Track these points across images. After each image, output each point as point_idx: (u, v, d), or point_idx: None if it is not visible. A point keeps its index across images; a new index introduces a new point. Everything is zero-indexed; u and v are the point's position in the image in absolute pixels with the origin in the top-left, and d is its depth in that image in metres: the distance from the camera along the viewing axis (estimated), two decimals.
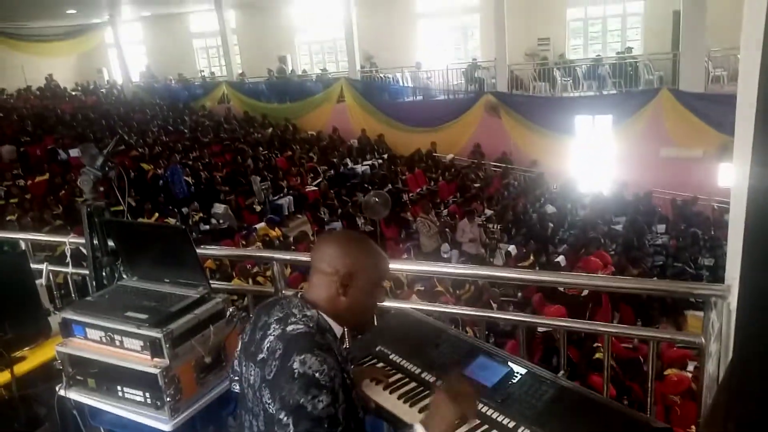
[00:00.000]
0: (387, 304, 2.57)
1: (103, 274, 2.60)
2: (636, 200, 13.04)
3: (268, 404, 1.40)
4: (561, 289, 7.16)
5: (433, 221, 10.68)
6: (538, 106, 14.97)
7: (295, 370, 1.34)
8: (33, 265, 2.96)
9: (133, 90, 22.79)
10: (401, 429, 1.44)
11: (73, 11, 20.37)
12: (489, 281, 7.01)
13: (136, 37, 24.71)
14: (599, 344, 5.28)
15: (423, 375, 1.83)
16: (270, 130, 17.64)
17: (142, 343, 1.98)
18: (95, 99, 21.89)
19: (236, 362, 1.72)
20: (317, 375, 1.34)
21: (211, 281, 2.51)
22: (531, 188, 14.27)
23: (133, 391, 2.04)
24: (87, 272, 2.72)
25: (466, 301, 7.40)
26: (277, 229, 10.55)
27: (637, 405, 4.58)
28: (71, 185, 10.82)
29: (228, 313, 2.21)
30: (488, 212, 11.91)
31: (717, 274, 8.45)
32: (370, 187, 12.31)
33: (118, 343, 2.04)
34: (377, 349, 2.00)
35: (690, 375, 5.23)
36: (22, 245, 3.57)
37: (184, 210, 10.94)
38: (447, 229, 10.72)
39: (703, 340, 2.06)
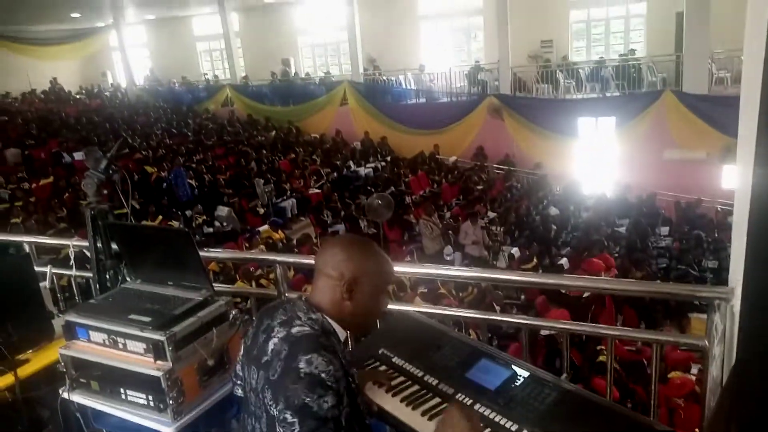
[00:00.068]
0: (390, 306, 2.56)
1: (107, 276, 2.60)
2: (639, 202, 13.01)
3: (270, 405, 1.39)
4: (563, 291, 7.14)
5: (435, 223, 10.67)
6: (541, 108, 14.96)
7: (301, 370, 1.34)
8: (37, 268, 2.97)
9: (137, 93, 22.86)
10: None
11: (78, 15, 20.47)
12: (492, 284, 6.99)
13: (139, 40, 24.81)
14: (603, 347, 5.27)
15: (425, 378, 1.83)
16: (273, 132, 17.68)
17: (145, 346, 1.98)
18: (99, 102, 21.97)
19: (238, 366, 1.72)
20: (323, 375, 1.34)
21: (214, 284, 2.52)
22: (534, 190, 14.24)
23: (136, 394, 2.04)
24: (90, 275, 2.73)
25: (469, 304, 7.39)
26: (280, 231, 10.56)
27: (641, 408, 4.58)
28: (75, 188, 10.86)
29: (231, 316, 2.21)
30: (491, 214, 11.88)
31: (721, 277, 8.42)
32: (373, 190, 12.31)
33: (121, 345, 2.04)
34: (380, 352, 2.00)
35: (694, 378, 5.22)
36: (26, 248, 3.58)
37: (188, 213, 10.96)
38: (450, 232, 10.72)
39: (706, 342, 2.05)
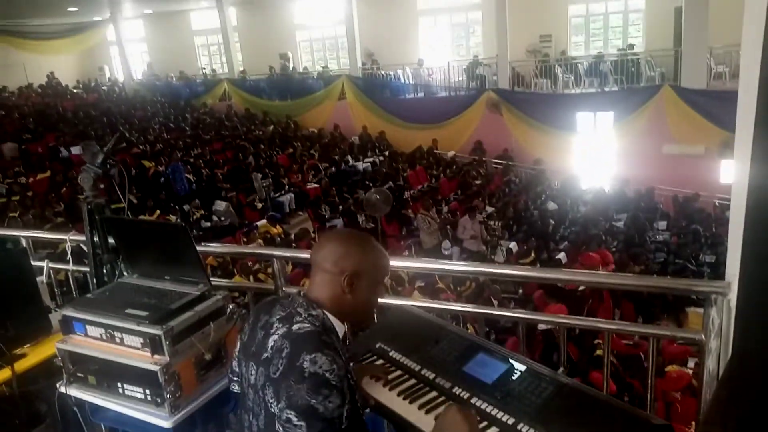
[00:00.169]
0: (388, 301, 2.57)
1: (104, 271, 2.60)
2: (637, 197, 13.02)
3: (271, 403, 1.39)
4: (559, 285, 7.15)
5: (433, 218, 10.68)
6: (540, 102, 14.95)
7: (306, 370, 1.33)
8: (34, 263, 2.97)
9: (135, 87, 22.80)
10: None
11: (75, 9, 20.37)
12: (490, 278, 7.01)
13: (137, 34, 24.72)
14: (600, 341, 5.29)
15: (423, 372, 1.83)
16: (271, 127, 17.65)
17: (142, 340, 1.98)
18: (97, 96, 21.88)
19: (235, 363, 1.71)
20: (327, 375, 1.33)
21: (212, 278, 2.51)
22: (532, 185, 14.26)
23: (134, 388, 2.04)
24: (88, 269, 2.72)
25: (467, 298, 7.41)
26: (278, 226, 10.56)
27: (638, 401, 4.59)
28: (73, 183, 10.84)
29: (228, 310, 2.21)
30: (489, 209, 11.90)
31: (718, 271, 8.43)
32: (371, 184, 12.31)
33: (118, 340, 2.04)
34: (377, 346, 2.00)
35: (690, 371, 5.24)
36: (23, 242, 3.58)
37: (186, 207, 10.95)
38: (448, 226, 10.72)
39: (703, 336, 2.05)
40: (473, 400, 1.62)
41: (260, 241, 9.32)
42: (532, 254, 9.25)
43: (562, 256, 9.31)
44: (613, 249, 9.73)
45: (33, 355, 2.50)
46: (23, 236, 3.63)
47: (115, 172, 2.61)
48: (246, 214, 11.55)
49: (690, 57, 12.89)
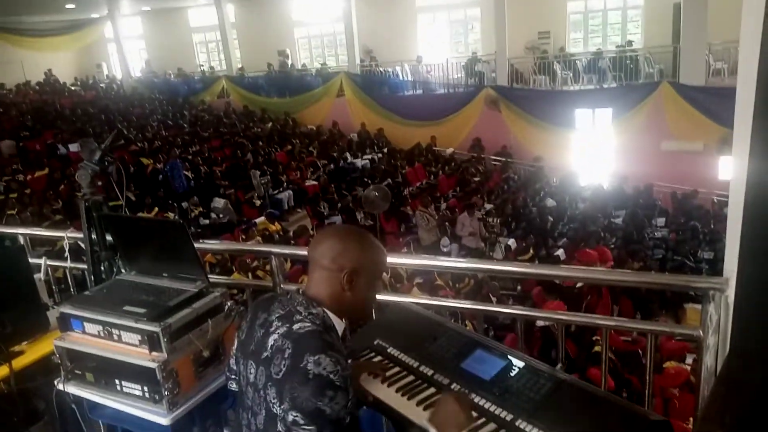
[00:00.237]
0: (386, 297, 2.57)
1: (102, 268, 2.59)
2: (636, 194, 13.04)
3: (273, 403, 1.38)
4: (556, 281, 7.17)
5: (431, 214, 10.69)
6: (539, 99, 14.95)
7: (310, 371, 1.32)
8: (32, 260, 2.96)
9: (133, 85, 22.76)
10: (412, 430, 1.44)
11: (72, 6, 20.31)
12: (488, 275, 7.02)
13: (135, 31, 24.65)
14: (598, 337, 5.29)
15: (421, 368, 1.83)
16: (269, 124, 17.63)
17: (140, 337, 1.98)
18: (94, 94, 21.84)
19: (232, 361, 1.71)
20: (332, 376, 1.33)
21: (210, 275, 2.51)
22: (531, 182, 14.26)
23: (132, 385, 2.03)
24: (86, 267, 2.72)
25: (466, 295, 7.42)
26: (276, 223, 10.56)
27: (636, 397, 4.60)
28: (71, 180, 10.82)
29: (226, 307, 2.20)
30: (488, 206, 11.90)
31: (716, 268, 8.44)
32: (369, 182, 12.31)
33: (116, 337, 2.03)
34: (375, 342, 2.01)
35: (688, 367, 5.25)
36: (21, 240, 3.57)
37: (184, 204, 10.94)
38: (447, 223, 10.73)
39: (701, 332, 2.05)
40: (471, 397, 1.62)
41: (259, 238, 9.32)
42: (531, 251, 9.27)
43: (560, 252, 9.33)
44: (612, 246, 9.74)
45: (31, 353, 2.50)
46: (21, 234, 3.63)
47: (113, 170, 2.61)
48: (244, 212, 11.54)
49: (688, 53, 12.89)
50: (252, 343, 1.53)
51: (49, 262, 3.24)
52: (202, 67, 23.38)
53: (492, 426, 1.56)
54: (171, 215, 10.04)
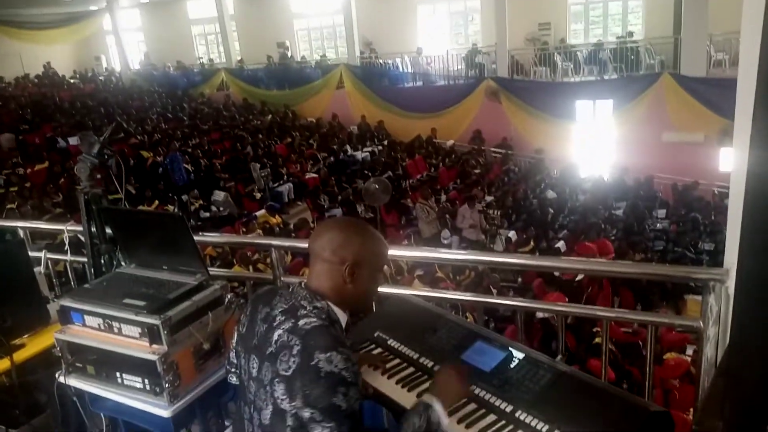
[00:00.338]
0: (387, 290, 2.57)
1: (102, 261, 2.60)
2: (637, 185, 13.02)
3: (282, 399, 1.37)
4: (556, 274, 7.17)
5: (431, 206, 10.68)
6: (539, 91, 14.90)
7: (322, 369, 1.33)
8: (32, 253, 2.96)
9: (132, 77, 22.69)
10: (417, 409, 1.46)
11: None
12: (489, 267, 7.02)
13: (134, 24, 24.56)
14: (599, 329, 5.30)
15: (421, 360, 1.84)
16: (269, 117, 17.58)
17: (140, 330, 1.98)
18: (94, 87, 21.77)
19: (232, 354, 1.71)
20: (344, 373, 1.34)
21: (210, 268, 2.51)
22: (531, 174, 14.24)
23: (132, 378, 2.04)
24: (86, 260, 2.72)
25: (466, 287, 7.42)
26: (277, 216, 10.55)
27: (637, 389, 4.61)
28: (71, 173, 10.80)
29: (227, 300, 2.21)
30: (488, 198, 11.89)
31: (717, 259, 8.42)
32: (370, 174, 12.29)
33: (116, 330, 2.04)
34: (375, 335, 2.01)
35: (689, 359, 5.26)
36: (21, 233, 3.57)
37: (184, 197, 10.93)
38: (447, 215, 10.73)
39: (701, 324, 2.06)
40: (471, 388, 1.62)
41: (259, 231, 9.32)
42: (531, 243, 9.26)
43: (561, 244, 9.33)
44: (612, 237, 9.74)
45: (32, 346, 2.51)
46: (21, 227, 3.64)
47: (113, 163, 2.60)
48: (245, 204, 11.54)
49: (689, 44, 12.83)
50: (254, 337, 1.52)
51: (49, 256, 3.24)
52: (201, 60, 23.30)
53: (492, 417, 1.57)
54: (171, 208, 10.04)
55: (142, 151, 12.81)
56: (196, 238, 2.31)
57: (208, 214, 10.59)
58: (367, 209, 10.63)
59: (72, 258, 3.11)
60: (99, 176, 2.57)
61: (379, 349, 1.95)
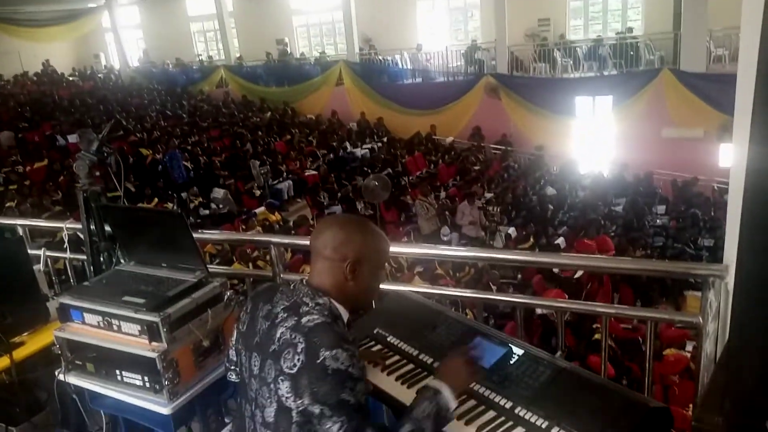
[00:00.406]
0: (387, 287, 2.57)
1: (101, 259, 2.59)
2: (636, 181, 13.01)
3: (287, 397, 1.37)
4: (555, 270, 7.18)
5: (431, 203, 10.68)
6: (539, 87, 14.87)
7: (328, 367, 1.33)
8: (31, 251, 2.96)
9: (131, 75, 22.65)
10: (426, 394, 1.47)
11: None
12: (489, 263, 7.02)
13: (132, 21, 24.50)
14: (598, 325, 5.31)
15: (420, 357, 1.84)
16: (269, 114, 17.56)
17: (139, 328, 1.98)
18: (93, 84, 21.72)
19: (232, 352, 1.71)
20: (351, 369, 1.35)
21: (210, 266, 2.51)
22: (531, 170, 14.24)
23: (132, 375, 2.04)
24: (85, 257, 2.72)
25: (466, 284, 7.43)
26: (276, 213, 10.55)
27: (636, 385, 4.61)
28: (70, 171, 10.78)
29: (226, 297, 2.21)
30: (488, 195, 11.89)
31: (717, 255, 8.44)
32: (369, 171, 12.29)
33: (116, 327, 2.04)
34: (375, 331, 2.01)
35: (688, 354, 5.27)
36: (20, 231, 3.57)
37: (184, 195, 10.93)
38: (447, 212, 10.72)
39: (700, 319, 2.06)
40: (471, 385, 1.62)
41: (259, 228, 9.32)
42: (531, 239, 9.26)
43: (560, 241, 9.33)
44: (612, 234, 9.74)
45: (31, 344, 2.51)
46: (20, 225, 3.63)
47: (112, 161, 2.60)
48: (244, 202, 11.53)
49: (689, 40, 12.80)
50: (255, 335, 1.52)
51: (48, 253, 3.24)
52: (200, 57, 23.26)
53: (491, 413, 1.57)
54: (171, 206, 10.03)
55: (141, 149, 12.79)
56: (195, 235, 2.31)
57: (207, 212, 10.58)
58: (367, 206, 10.63)
59: (71, 256, 3.11)
60: (98, 174, 2.57)
61: (378, 346, 1.95)
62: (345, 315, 1.54)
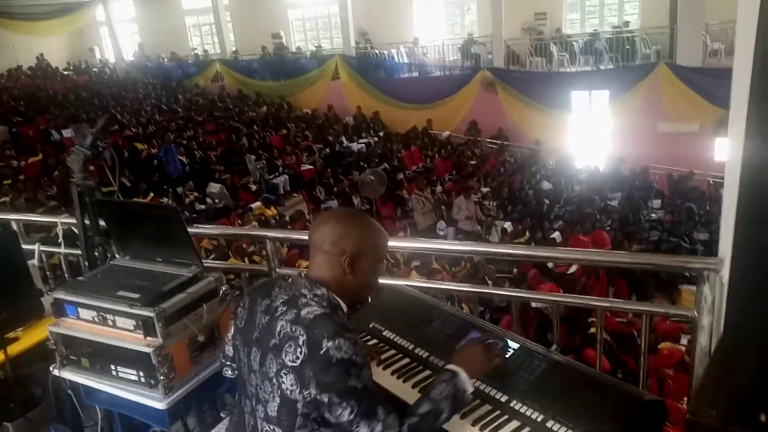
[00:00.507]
0: (383, 281, 2.56)
1: (96, 254, 2.58)
2: (632, 176, 13.05)
3: (292, 390, 1.38)
4: (550, 265, 7.19)
5: (427, 198, 10.68)
6: (535, 81, 14.86)
7: (332, 357, 1.34)
8: (25, 246, 2.95)
9: (126, 69, 22.53)
10: (443, 377, 1.50)
11: None
12: (485, 258, 7.03)
13: (128, 15, 24.33)
14: (594, 319, 5.32)
15: (416, 351, 1.84)
16: (264, 108, 17.50)
17: (134, 323, 1.98)
18: (87, 78, 21.60)
19: (228, 348, 1.70)
20: (354, 357, 1.35)
21: (205, 260, 2.50)
22: (527, 165, 14.25)
23: (127, 370, 2.04)
24: (80, 252, 2.71)
25: (462, 278, 7.44)
26: (272, 208, 10.53)
27: (631, 378, 4.63)
28: (65, 166, 10.72)
29: (221, 292, 2.20)
30: (484, 189, 11.90)
31: (712, 249, 8.44)
32: (365, 166, 12.27)
33: (110, 322, 2.03)
34: (371, 325, 2.01)
35: (683, 348, 5.28)
36: (14, 226, 3.55)
37: (179, 190, 10.89)
38: (443, 207, 10.73)
39: (695, 313, 2.06)
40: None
41: (255, 223, 9.30)
42: (527, 234, 9.27)
43: (556, 235, 9.35)
44: (608, 228, 9.76)
45: (26, 339, 2.51)
46: (14, 220, 3.61)
47: (107, 155, 2.58)
48: (240, 196, 11.49)
49: (685, 34, 12.81)
50: (255, 330, 1.51)
51: (43, 248, 3.22)
52: (195, 51, 23.14)
53: (487, 407, 1.57)
54: (166, 201, 10.00)
55: (136, 143, 12.73)
56: (191, 230, 2.30)
57: (203, 207, 10.54)
58: (363, 201, 10.62)
59: (66, 251, 3.09)
60: (92, 168, 2.56)
61: (374, 340, 1.95)
62: (344, 307, 1.54)
